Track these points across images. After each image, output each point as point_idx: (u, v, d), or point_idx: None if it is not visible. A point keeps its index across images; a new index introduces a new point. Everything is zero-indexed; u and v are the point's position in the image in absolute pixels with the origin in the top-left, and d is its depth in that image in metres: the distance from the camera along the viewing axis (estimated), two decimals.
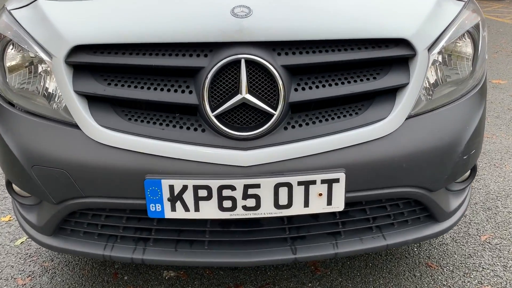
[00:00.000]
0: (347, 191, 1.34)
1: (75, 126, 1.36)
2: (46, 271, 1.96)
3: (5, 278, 1.92)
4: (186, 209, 1.33)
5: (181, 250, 1.44)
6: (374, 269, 1.94)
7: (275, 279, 1.88)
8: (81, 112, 1.34)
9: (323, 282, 1.86)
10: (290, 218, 1.47)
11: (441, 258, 1.98)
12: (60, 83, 1.35)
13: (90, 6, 1.44)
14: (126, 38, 1.31)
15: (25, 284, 1.89)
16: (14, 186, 1.57)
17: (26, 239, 2.16)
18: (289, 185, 1.30)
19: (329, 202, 1.34)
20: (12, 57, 1.45)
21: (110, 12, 1.39)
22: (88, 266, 1.98)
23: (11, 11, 1.53)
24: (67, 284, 1.88)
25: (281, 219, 1.46)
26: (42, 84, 1.41)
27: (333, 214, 1.47)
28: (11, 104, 1.49)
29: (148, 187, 1.30)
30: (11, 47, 1.45)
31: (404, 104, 1.38)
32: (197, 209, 1.32)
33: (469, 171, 1.64)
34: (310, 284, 1.85)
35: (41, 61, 1.39)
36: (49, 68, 1.38)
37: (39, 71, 1.41)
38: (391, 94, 1.39)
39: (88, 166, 1.33)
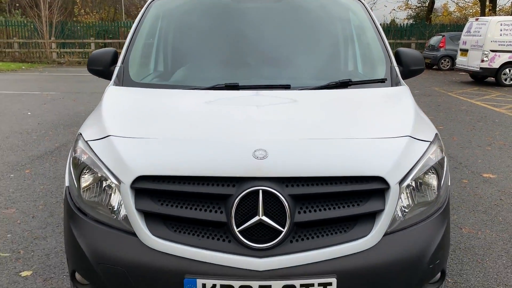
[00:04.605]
0: None
1: (133, 234, 1.82)
2: None
3: None
4: None
5: None
6: None
7: None
8: (139, 224, 1.81)
9: None
10: None
11: None
12: (125, 202, 1.83)
13: (151, 144, 1.96)
14: (176, 172, 1.81)
15: None
16: (76, 275, 2.00)
17: None
18: (293, 287, 1.72)
19: None
20: (86, 179, 1.95)
21: (165, 152, 1.91)
22: None
23: (88, 142, 2.06)
24: None
25: None
26: (108, 199, 1.89)
27: None
28: (84, 213, 1.96)
29: (186, 285, 1.73)
30: (87, 170, 1.96)
31: (381, 224, 1.83)
32: None
33: (439, 274, 2.04)
34: None
35: (110, 182, 1.88)
36: (115, 189, 1.86)
37: (107, 189, 1.90)
38: (371, 216, 1.85)
39: (142, 266, 1.77)
